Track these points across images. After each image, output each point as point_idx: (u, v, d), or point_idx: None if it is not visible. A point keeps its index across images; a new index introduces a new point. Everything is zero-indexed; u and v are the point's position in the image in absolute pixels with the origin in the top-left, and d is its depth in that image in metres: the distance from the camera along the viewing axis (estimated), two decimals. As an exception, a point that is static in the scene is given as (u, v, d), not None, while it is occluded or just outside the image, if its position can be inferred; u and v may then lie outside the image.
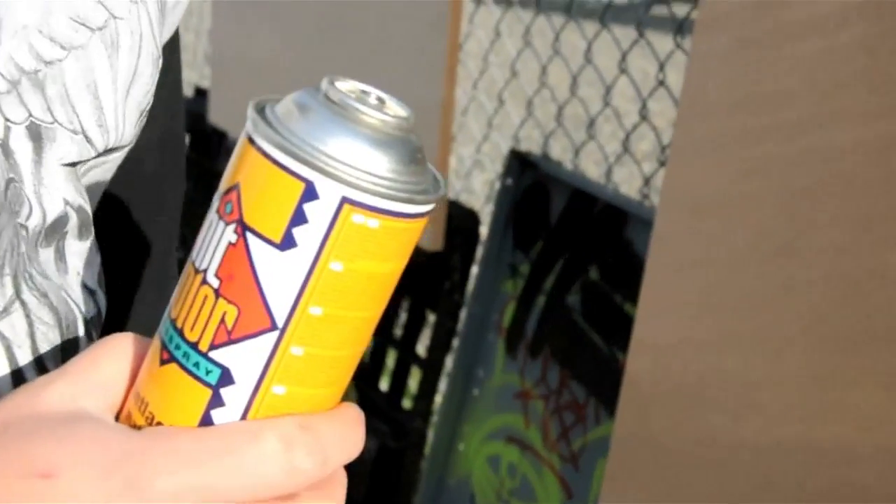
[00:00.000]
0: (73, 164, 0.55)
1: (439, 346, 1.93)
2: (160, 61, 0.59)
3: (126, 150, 0.59)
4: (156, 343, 0.43)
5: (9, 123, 0.51)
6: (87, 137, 0.54)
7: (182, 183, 0.73)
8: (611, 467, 1.17)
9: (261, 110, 0.41)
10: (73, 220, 0.56)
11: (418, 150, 0.42)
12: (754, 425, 0.99)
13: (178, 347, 0.41)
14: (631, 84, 1.74)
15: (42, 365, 0.52)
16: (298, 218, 0.39)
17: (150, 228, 0.70)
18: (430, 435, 1.96)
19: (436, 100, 1.66)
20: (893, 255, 0.87)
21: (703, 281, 1.05)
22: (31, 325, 0.52)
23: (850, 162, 0.91)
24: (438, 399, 1.95)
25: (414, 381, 2.07)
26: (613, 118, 1.82)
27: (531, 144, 2.23)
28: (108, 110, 0.55)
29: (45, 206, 0.53)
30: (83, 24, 0.53)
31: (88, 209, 0.57)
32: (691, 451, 1.06)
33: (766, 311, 0.98)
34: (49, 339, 0.52)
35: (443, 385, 1.95)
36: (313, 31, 1.94)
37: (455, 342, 1.91)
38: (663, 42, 1.74)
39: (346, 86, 0.42)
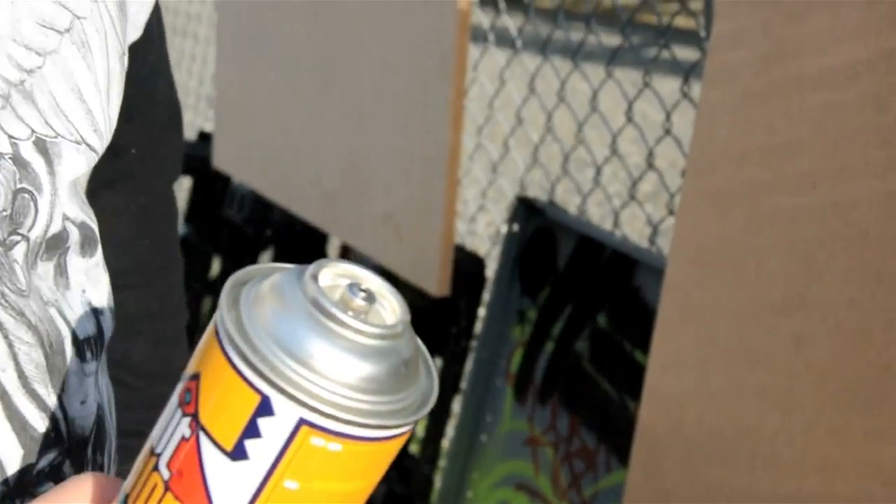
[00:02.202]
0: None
1: (446, 391, 1.93)
2: (125, 58, 0.59)
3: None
4: None
5: (14, 140, 0.51)
6: (88, 146, 0.54)
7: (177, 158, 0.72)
8: (624, 518, 1.16)
9: (238, 288, 0.37)
10: (75, 236, 0.55)
11: (404, 362, 0.37)
12: (769, 479, 0.98)
13: None
14: (634, 126, 1.75)
15: (31, 389, 0.51)
16: (252, 430, 0.36)
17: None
18: (438, 481, 1.95)
19: (442, 145, 1.66)
20: (908, 308, 0.87)
21: (715, 332, 1.05)
22: (10, 345, 0.50)
23: (862, 214, 0.91)
24: (445, 444, 1.95)
25: (421, 425, 2.07)
26: (618, 160, 1.83)
27: (535, 188, 2.23)
28: (98, 114, 0.55)
29: (53, 219, 0.53)
30: (51, 28, 0.53)
31: (93, 225, 0.57)
32: (705, 502, 1.06)
33: (778, 363, 0.98)
34: (33, 360, 0.51)
35: (450, 430, 1.94)
36: (318, 77, 1.94)
37: (462, 387, 1.90)
38: (668, 84, 1.75)
39: (335, 273, 0.37)
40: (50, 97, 0.52)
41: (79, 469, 0.54)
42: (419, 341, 0.38)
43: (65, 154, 0.53)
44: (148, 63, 0.63)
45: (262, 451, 0.36)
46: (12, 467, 0.50)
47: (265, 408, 0.35)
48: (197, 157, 2.48)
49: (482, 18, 2.17)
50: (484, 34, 2.10)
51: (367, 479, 0.38)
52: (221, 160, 2.32)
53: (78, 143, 0.54)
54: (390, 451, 0.37)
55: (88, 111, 0.54)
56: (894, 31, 0.88)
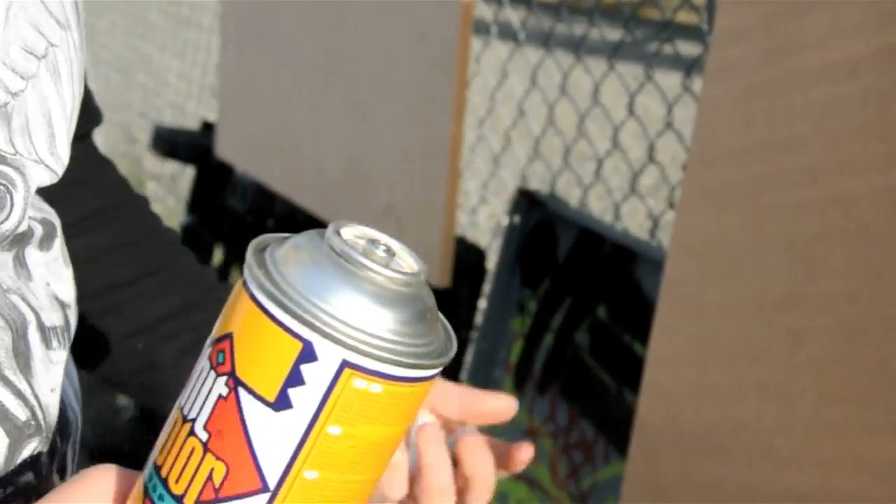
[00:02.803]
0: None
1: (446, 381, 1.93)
2: (82, 84, 0.60)
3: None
4: (139, 486, 0.40)
5: None
6: (46, 166, 0.55)
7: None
8: (622, 510, 1.17)
9: (260, 252, 0.38)
10: (38, 233, 0.56)
11: (428, 309, 0.39)
12: (766, 472, 0.99)
13: (161, 498, 0.39)
14: (636, 119, 1.75)
15: (4, 377, 0.51)
16: (295, 379, 0.37)
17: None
18: (437, 471, 1.95)
19: (443, 137, 1.66)
20: (906, 304, 0.87)
21: (714, 326, 1.05)
22: None
23: (862, 210, 0.91)
24: (445, 435, 1.95)
25: (421, 417, 2.07)
26: (619, 153, 1.83)
27: (536, 180, 2.24)
28: (60, 138, 0.56)
29: (25, 215, 0.54)
30: (31, 53, 0.54)
31: (55, 221, 0.58)
32: (703, 497, 1.06)
33: (777, 358, 0.98)
34: (5, 345, 0.51)
35: (450, 421, 1.94)
36: (321, 67, 1.95)
37: (462, 378, 1.91)
38: (670, 78, 1.75)
39: (353, 233, 0.39)
40: (24, 119, 0.53)
41: (52, 457, 0.54)
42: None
43: (28, 166, 0.54)
44: None
45: (305, 397, 0.37)
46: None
47: (308, 354, 0.36)
48: (200, 146, 2.49)
49: (485, 11, 2.17)
50: (486, 27, 2.10)
51: (401, 423, 0.39)
52: (224, 150, 2.33)
53: (37, 161, 0.55)
54: (421, 396, 0.38)
55: (52, 135, 0.55)
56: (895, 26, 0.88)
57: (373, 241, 0.39)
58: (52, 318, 0.56)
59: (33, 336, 0.54)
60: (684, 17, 1.70)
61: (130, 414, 2.81)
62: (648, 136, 1.72)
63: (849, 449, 0.91)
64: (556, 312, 1.69)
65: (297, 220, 2.30)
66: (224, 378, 0.38)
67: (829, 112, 0.94)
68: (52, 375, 0.55)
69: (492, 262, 1.87)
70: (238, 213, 2.55)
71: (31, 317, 0.54)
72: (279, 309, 0.36)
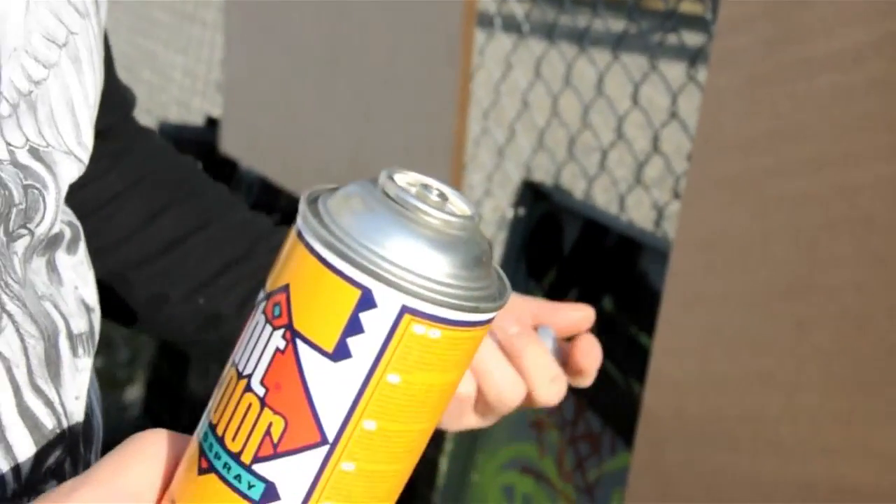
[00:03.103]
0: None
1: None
2: (103, 74, 0.60)
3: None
4: (193, 446, 0.39)
5: (11, 147, 0.52)
6: (75, 156, 0.55)
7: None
8: (629, 501, 1.17)
9: (313, 202, 0.38)
10: (67, 235, 0.56)
11: (484, 252, 0.38)
12: (772, 462, 0.99)
13: (217, 457, 0.38)
14: (641, 111, 1.75)
15: (35, 384, 0.51)
16: (354, 327, 0.36)
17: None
18: (443, 464, 1.95)
19: (448, 130, 1.66)
20: (912, 292, 0.87)
21: (720, 317, 1.05)
22: (21, 339, 0.50)
23: (868, 199, 0.91)
24: (451, 428, 1.95)
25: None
26: (623, 144, 1.83)
27: (541, 172, 2.23)
28: (84, 127, 0.56)
29: (58, 217, 0.54)
30: (53, 42, 0.54)
31: (79, 224, 0.58)
32: (709, 487, 1.06)
33: (783, 347, 0.98)
34: (37, 354, 0.51)
35: (456, 414, 1.94)
36: (325, 62, 1.95)
37: (468, 372, 1.91)
38: (674, 69, 1.75)
39: (405, 179, 0.38)
40: (48, 109, 0.53)
41: (76, 467, 0.54)
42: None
43: (59, 161, 0.54)
44: None
45: (365, 346, 0.36)
46: (26, 465, 0.50)
47: (367, 301, 0.36)
48: (205, 142, 2.49)
49: (489, 4, 2.17)
50: (490, 19, 2.10)
51: (459, 369, 0.38)
52: (229, 145, 2.33)
53: (67, 153, 0.55)
54: (477, 341, 0.38)
55: (76, 124, 0.55)
56: (900, 15, 0.88)
57: (425, 186, 0.38)
58: (80, 324, 0.55)
59: (63, 344, 0.53)
60: (688, 6, 1.70)
61: (137, 412, 2.81)
62: (653, 127, 1.72)
63: (855, 438, 0.91)
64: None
65: (303, 215, 2.30)
66: (281, 331, 0.37)
67: (834, 101, 0.93)
68: (77, 383, 0.54)
69: (497, 255, 1.87)
70: (243, 208, 2.55)
71: (61, 325, 0.53)
72: (336, 256, 0.36)
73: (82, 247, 0.58)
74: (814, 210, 0.95)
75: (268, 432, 0.37)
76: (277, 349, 0.37)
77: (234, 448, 0.38)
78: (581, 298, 1.65)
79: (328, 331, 0.36)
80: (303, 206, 0.37)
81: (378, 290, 0.36)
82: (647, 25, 2.92)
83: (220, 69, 2.74)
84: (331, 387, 0.36)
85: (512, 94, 2.16)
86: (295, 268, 0.37)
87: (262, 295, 0.38)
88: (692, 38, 1.80)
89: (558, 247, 1.71)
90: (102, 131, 0.62)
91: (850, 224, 0.92)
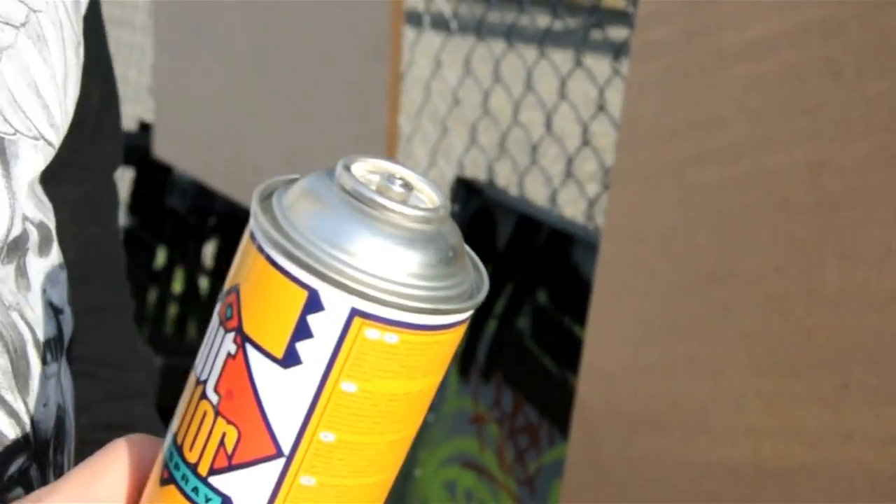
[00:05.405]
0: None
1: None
2: (81, 48, 0.58)
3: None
4: (160, 457, 0.37)
5: None
6: (46, 141, 0.54)
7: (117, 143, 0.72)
8: (566, 491, 1.18)
9: (266, 198, 0.35)
10: (34, 237, 0.54)
11: (451, 247, 0.35)
12: (702, 446, 1.01)
13: (177, 467, 0.36)
14: (570, 105, 1.77)
15: (3, 399, 0.50)
16: (302, 331, 0.33)
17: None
18: (387, 462, 1.96)
19: (380, 128, 1.67)
20: (827, 274, 0.89)
21: (648, 306, 1.07)
22: None
23: (784, 184, 0.93)
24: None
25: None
26: (555, 139, 1.84)
27: (476, 169, 2.25)
28: (54, 108, 0.54)
29: (14, 222, 0.51)
30: (7, 23, 0.52)
31: (50, 224, 0.56)
32: (643, 473, 1.08)
33: (709, 333, 1.00)
34: (2, 367, 0.50)
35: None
36: (256, 63, 1.94)
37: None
38: (602, 64, 1.77)
39: (366, 168, 0.35)
40: (7, 93, 0.51)
41: (43, 471, 0.53)
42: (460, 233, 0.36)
43: (22, 154, 0.52)
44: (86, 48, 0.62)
45: (315, 351, 0.33)
46: None
47: (314, 303, 0.33)
48: (138, 147, 2.47)
49: (417, 2, 2.17)
50: (419, 17, 2.11)
51: (427, 377, 0.35)
52: (162, 150, 2.31)
53: (36, 138, 0.53)
54: (448, 345, 0.35)
55: (45, 106, 0.53)
56: (811, 4, 0.90)
57: (389, 176, 0.35)
58: (48, 330, 0.54)
59: (31, 353, 0.52)
60: (612, 1, 1.72)
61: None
62: (582, 121, 1.74)
63: (779, 419, 0.93)
64: (497, 299, 1.70)
65: (239, 218, 2.29)
66: (232, 335, 0.35)
67: (750, 89, 0.95)
68: (45, 390, 0.53)
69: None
70: (179, 214, 2.53)
71: (28, 335, 0.52)
72: (281, 255, 0.33)
73: (55, 248, 0.56)
74: (734, 197, 0.97)
75: (222, 443, 0.35)
76: (229, 354, 0.35)
77: (192, 459, 0.36)
78: (516, 293, 1.67)
79: (277, 335, 0.34)
80: (254, 203, 0.35)
81: (325, 292, 0.33)
82: (578, 22, 2.95)
83: (151, 74, 2.72)
84: (283, 395, 0.34)
85: (443, 92, 2.16)
86: (245, 268, 0.35)
87: (219, 296, 0.36)
88: (617, 33, 1.82)
89: (493, 242, 1.73)
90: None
91: (769, 209, 0.94)
